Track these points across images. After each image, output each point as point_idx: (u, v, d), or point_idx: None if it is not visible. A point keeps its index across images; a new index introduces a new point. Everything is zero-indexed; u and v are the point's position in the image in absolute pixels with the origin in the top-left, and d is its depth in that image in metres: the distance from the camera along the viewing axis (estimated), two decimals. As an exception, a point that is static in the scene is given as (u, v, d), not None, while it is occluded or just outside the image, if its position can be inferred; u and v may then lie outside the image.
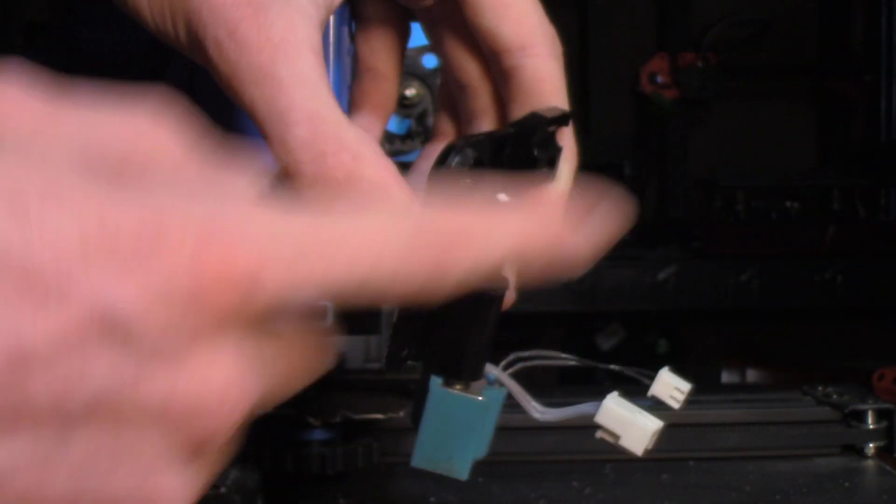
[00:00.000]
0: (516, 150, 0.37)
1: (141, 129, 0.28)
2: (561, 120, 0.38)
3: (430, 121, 0.64)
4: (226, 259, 0.25)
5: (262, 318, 0.27)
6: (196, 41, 0.37)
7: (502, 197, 0.36)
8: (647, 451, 0.38)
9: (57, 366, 0.24)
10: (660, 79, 1.43)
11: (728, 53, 1.43)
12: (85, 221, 0.24)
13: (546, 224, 0.31)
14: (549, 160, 0.38)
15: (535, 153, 0.37)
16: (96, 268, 0.24)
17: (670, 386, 0.39)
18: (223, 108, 0.50)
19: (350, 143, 0.35)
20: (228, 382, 0.26)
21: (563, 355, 0.41)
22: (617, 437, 0.37)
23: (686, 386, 0.39)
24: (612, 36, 1.44)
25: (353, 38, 0.48)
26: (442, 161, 0.35)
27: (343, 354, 0.71)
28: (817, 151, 1.49)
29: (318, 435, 0.58)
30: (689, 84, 1.41)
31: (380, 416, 0.59)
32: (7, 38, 0.91)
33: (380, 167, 0.35)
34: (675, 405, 0.39)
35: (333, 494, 0.57)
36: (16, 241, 0.23)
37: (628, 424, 0.37)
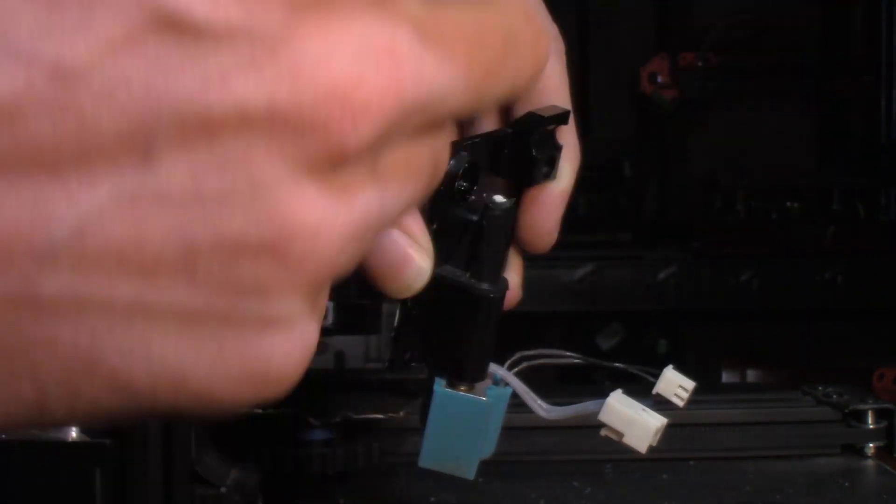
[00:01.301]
0: (515, 151, 0.37)
1: None
2: (560, 118, 0.38)
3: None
4: None
5: None
6: None
7: (499, 198, 0.36)
8: (650, 448, 0.38)
9: (108, 81, 0.19)
10: (660, 79, 1.43)
11: (728, 53, 1.43)
12: None
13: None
14: (549, 159, 0.38)
15: (534, 153, 0.37)
16: None
17: (674, 384, 0.39)
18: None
19: None
20: (357, 78, 0.20)
21: (568, 354, 0.41)
22: (621, 434, 0.37)
23: (690, 384, 0.39)
24: (612, 36, 1.44)
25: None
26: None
27: (343, 354, 0.71)
28: (817, 151, 1.49)
29: (318, 435, 0.58)
30: (689, 84, 1.41)
31: (380, 416, 0.59)
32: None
33: None
34: (680, 403, 0.39)
35: (333, 494, 0.57)
36: None
37: (632, 422, 0.37)
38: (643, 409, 0.38)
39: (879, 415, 0.63)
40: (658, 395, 0.39)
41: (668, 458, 0.61)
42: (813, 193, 1.39)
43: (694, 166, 1.46)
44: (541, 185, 0.38)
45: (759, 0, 1.44)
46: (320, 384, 0.62)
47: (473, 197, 0.35)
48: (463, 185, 0.34)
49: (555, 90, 0.40)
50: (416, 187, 0.25)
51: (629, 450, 0.38)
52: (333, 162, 0.21)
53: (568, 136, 0.40)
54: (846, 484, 0.58)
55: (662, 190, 1.48)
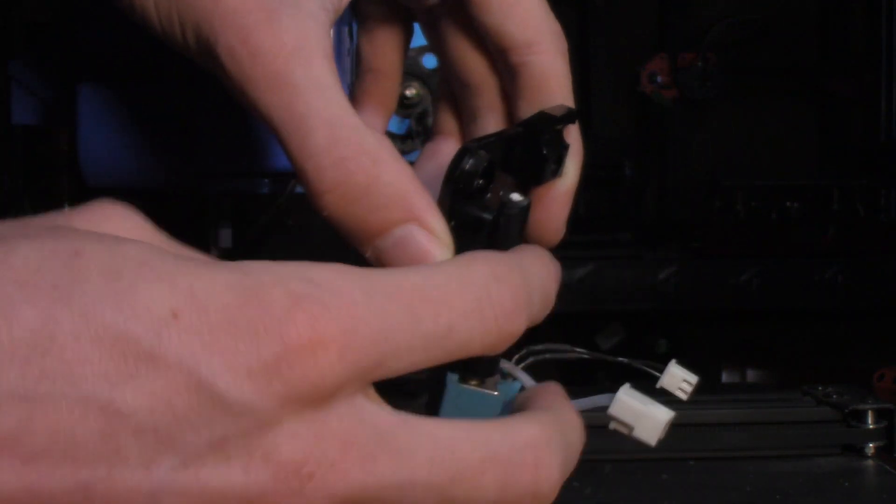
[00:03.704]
0: (526, 150, 0.37)
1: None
2: (568, 118, 0.39)
3: (430, 121, 0.64)
4: (313, 328, 0.25)
5: (357, 384, 0.26)
6: (206, 48, 0.36)
7: (515, 197, 0.36)
8: (660, 442, 0.38)
9: (149, 432, 0.24)
10: (660, 79, 1.43)
11: (728, 53, 1.43)
12: (176, 293, 0.25)
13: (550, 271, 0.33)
14: (557, 157, 0.39)
15: (545, 152, 0.37)
16: (187, 337, 0.24)
17: (679, 378, 0.40)
18: (224, 110, 0.50)
19: (370, 148, 0.35)
20: (306, 457, 0.25)
21: (576, 349, 0.42)
22: (631, 427, 0.37)
23: (693, 378, 0.40)
24: (612, 36, 1.44)
25: (352, 37, 0.48)
26: (456, 164, 0.35)
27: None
28: (817, 151, 1.49)
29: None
30: (689, 84, 1.41)
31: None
32: (7, 38, 0.91)
33: (399, 172, 0.35)
34: (684, 397, 0.40)
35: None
36: (109, 312, 0.24)
37: (641, 416, 0.37)
38: (652, 403, 0.38)
39: (879, 415, 0.63)
40: (662, 388, 0.40)
41: (668, 458, 0.61)
42: (813, 193, 1.39)
43: (694, 166, 1.46)
44: (549, 183, 0.39)
45: (759, 0, 1.44)
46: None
47: (490, 195, 0.35)
48: (480, 183, 0.35)
49: (559, 90, 0.40)
50: None
51: (637, 444, 0.38)
52: None
53: (573, 134, 0.40)
54: (846, 484, 0.58)
55: (662, 190, 1.48)
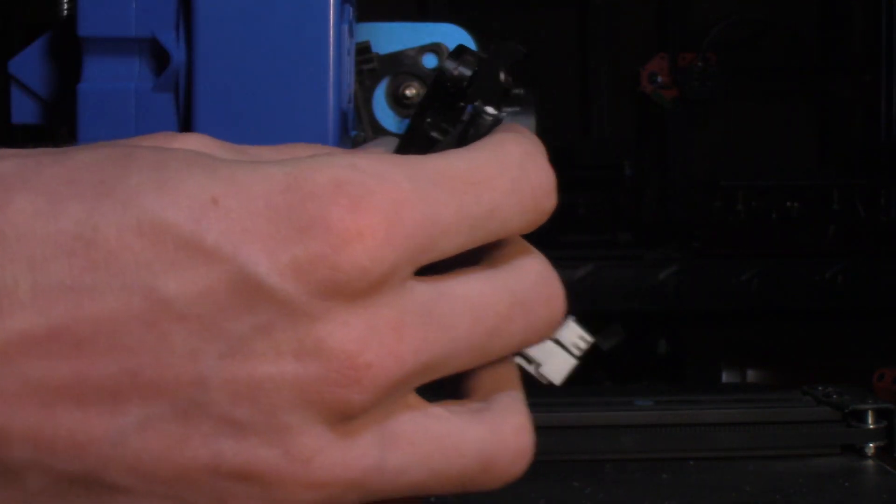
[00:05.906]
0: (485, 78, 0.39)
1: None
2: (523, 55, 0.40)
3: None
4: (357, 212, 0.25)
5: (408, 268, 0.26)
6: None
7: (490, 109, 0.36)
8: (563, 381, 0.37)
9: (192, 320, 0.24)
10: (660, 79, 1.43)
11: (728, 53, 1.43)
12: (217, 180, 0.25)
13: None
14: (507, 90, 0.40)
15: (503, 79, 0.39)
16: (226, 224, 0.24)
17: (574, 334, 0.39)
18: (224, 108, 0.50)
19: None
20: (362, 347, 0.25)
21: None
22: (538, 364, 0.37)
23: (589, 338, 0.39)
24: (612, 36, 1.44)
25: (352, 35, 0.48)
26: (444, 70, 0.36)
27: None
28: (817, 151, 1.49)
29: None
30: (689, 84, 1.41)
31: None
32: (7, 38, 0.91)
33: None
34: (577, 353, 0.39)
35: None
36: (149, 200, 0.24)
37: (552, 354, 0.37)
38: (559, 342, 0.37)
39: (879, 415, 0.63)
40: (558, 341, 0.39)
41: (668, 458, 0.61)
42: (813, 193, 1.39)
43: (694, 166, 1.46)
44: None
45: (759, 0, 1.44)
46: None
47: (462, 104, 0.36)
48: (465, 88, 0.36)
49: None
50: (422, 453, 0.27)
51: (543, 381, 0.37)
52: (341, 413, 0.25)
53: None
54: (846, 484, 0.58)
55: (662, 190, 1.48)
